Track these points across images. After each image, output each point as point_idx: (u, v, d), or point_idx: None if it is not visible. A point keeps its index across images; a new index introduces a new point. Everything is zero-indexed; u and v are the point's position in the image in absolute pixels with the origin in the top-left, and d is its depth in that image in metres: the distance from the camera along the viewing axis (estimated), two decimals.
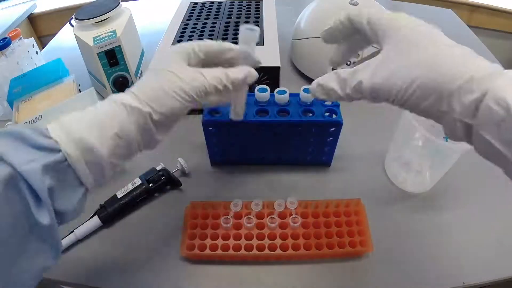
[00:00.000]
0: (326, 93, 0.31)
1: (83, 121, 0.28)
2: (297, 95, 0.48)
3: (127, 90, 0.32)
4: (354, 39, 0.35)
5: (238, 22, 0.69)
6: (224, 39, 0.63)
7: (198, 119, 0.48)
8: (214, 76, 0.32)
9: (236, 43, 0.61)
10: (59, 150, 0.26)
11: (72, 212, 0.28)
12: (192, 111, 0.63)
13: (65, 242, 0.43)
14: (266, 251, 0.41)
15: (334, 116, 0.47)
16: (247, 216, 0.43)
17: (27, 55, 0.71)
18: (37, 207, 0.25)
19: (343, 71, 0.30)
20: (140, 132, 0.30)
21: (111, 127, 0.28)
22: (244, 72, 0.34)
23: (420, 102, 0.26)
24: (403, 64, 0.27)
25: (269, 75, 0.57)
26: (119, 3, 0.64)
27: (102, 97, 0.67)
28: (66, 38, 0.90)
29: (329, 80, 0.31)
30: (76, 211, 0.28)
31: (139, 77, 0.67)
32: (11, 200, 0.24)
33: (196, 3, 0.78)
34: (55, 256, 0.28)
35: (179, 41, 0.64)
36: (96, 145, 0.27)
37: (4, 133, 0.26)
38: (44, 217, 0.25)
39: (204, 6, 0.77)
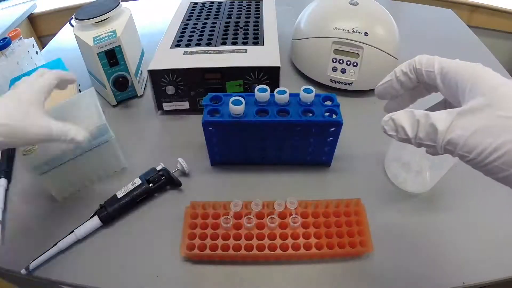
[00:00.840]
0: (395, 130, 0.30)
1: None
2: (297, 95, 0.48)
3: None
4: (416, 90, 0.33)
5: (238, 22, 0.69)
6: (224, 39, 0.63)
7: (198, 119, 0.48)
8: (59, 128, 0.37)
9: (235, 43, 0.62)
10: None
11: None
12: (192, 111, 0.63)
13: (65, 242, 0.43)
14: (266, 251, 0.41)
15: (334, 116, 0.47)
16: (247, 216, 0.43)
17: (27, 55, 0.71)
18: None
19: (419, 112, 0.29)
20: None
21: None
22: (83, 135, 0.40)
23: (505, 168, 0.23)
24: (500, 123, 0.24)
25: (269, 75, 0.57)
26: (119, 3, 0.64)
27: (102, 97, 0.67)
28: (66, 38, 0.90)
29: (402, 118, 0.29)
30: None
31: (139, 78, 0.67)
32: None
33: (196, 3, 0.78)
34: None
35: (179, 41, 0.64)
36: None
37: None
38: None
39: (204, 6, 0.77)
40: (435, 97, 0.35)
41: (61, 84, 0.43)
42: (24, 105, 0.36)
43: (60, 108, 0.48)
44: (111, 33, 0.59)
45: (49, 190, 0.48)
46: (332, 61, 0.64)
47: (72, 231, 0.44)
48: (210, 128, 0.48)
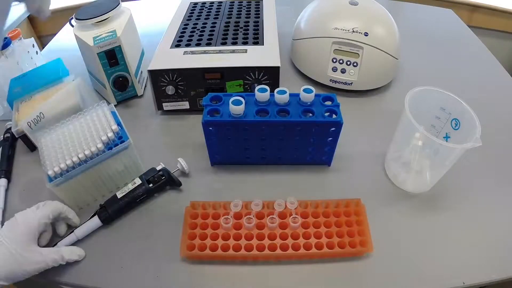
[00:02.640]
0: None
1: None
2: (297, 95, 0.48)
3: None
4: None
5: (238, 22, 0.69)
6: (224, 39, 0.63)
7: (198, 119, 0.48)
8: (53, 259, 0.39)
9: (235, 43, 0.61)
10: None
11: None
12: (192, 111, 0.63)
13: (66, 241, 0.43)
14: (266, 251, 0.41)
15: (334, 116, 0.47)
16: (247, 216, 0.43)
17: (27, 55, 0.71)
18: None
19: None
20: None
21: None
22: (78, 254, 0.42)
23: None
24: None
25: (269, 75, 0.57)
26: (119, 3, 0.64)
27: (102, 97, 0.67)
28: (66, 38, 0.90)
29: None
30: None
31: (139, 78, 0.67)
32: None
33: (196, 3, 0.78)
34: None
35: (179, 41, 0.64)
36: None
37: None
38: None
39: (204, 6, 0.77)
40: None
41: (60, 220, 0.45)
42: (20, 247, 0.38)
43: (54, 102, 0.48)
44: (111, 33, 0.59)
45: (65, 202, 0.45)
46: (332, 61, 0.64)
47: (72, 231, 0.44)
48: (210, 128, 0.48)
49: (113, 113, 0.50)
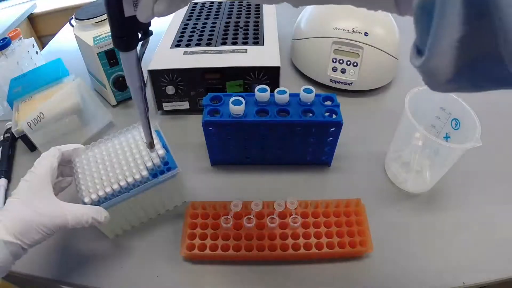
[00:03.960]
0: None
1: None
2: (297, 95, 0.48)
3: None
4: None
5: (238, 22, 0.69)
6: (224, 39, 0.63)
7: (198, 119, 0.48)
8: (75, 217, 0.36)
9: (235, 43, 0.61)
10: None
11: None
12: (192, 111, 0.63)
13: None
14: (266, 251, 0.41)
15: (334, 116, 0.47)
16: (247, 216, 0.43)
17: (27, 55, 0.71)
18: None
19: None
20: (13, 256, 0.33)
21: None
22: (104, 215, 0.38)
23: None
24: None
25: (269, 75, 0.57)
26: None
27: (102, 97, 0.67)
28: (66, 38, 0.90)
29: None
30: None
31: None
32: None
33: (196, 3, 0.78)
34: None
35: (179, 41, 0.64)
36: None
37: None
38: None
39: (204, 6, 0.77)
40: None
41: (66, 159, 0.42)
42: (34, 197, 0.35)
43: (54, 101, 0.48)
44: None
45: (101, 228, 0.42)
46: (332, 61, 0.64)
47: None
48: (210, 128, 0.48)
49: (158, 133, 0.45)
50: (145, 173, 0.40)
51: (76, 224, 0.36)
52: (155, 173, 0.42)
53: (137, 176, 0.40)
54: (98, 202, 0.39)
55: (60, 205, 0.36)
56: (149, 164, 0.41)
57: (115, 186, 0.39)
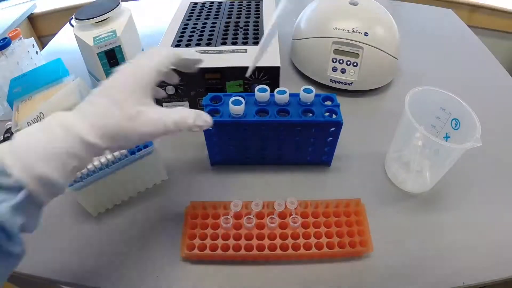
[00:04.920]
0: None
1: (41, 156, 0.27)
2: (297, 95, 0.48)
3: (82, 115, 0.30)
4: None
5: (238, 22, 0.69)
6: (224, 39, 0.63)
7: None
8: (173, 119, 0.32)
9: (235, 43, 0.61)
10: (23, 187, 0.27)
11: (36, 228, 0.30)
12: None
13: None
14: (266, 251, 0.41)
15: (334, 116, 0.47)
16: (247, 216, 0.43)
17: (27, 55, 0.71)
18: (8, 240, 0.26)
19: None
20: (92, 156, 0.31)
21: (71, 161, 0.29)
22: (207, 121, 0.35)
23: None
24: None
25: (269, 75, 0.57)
26: (119, 3, 0.64)
27: None
28: (66, 38, 0.90)
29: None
30: (37, 228, 0.30)
31: None
32: None
33: (196, 3, 0.78)
34: (17, 262, 0.29)
35: (179, 41, 0.64)
36: (57, 180, 0.28)
37: None
38: (17, 248, 0.27)
39: (204, 6, 0.77)
40: None
41: (181, 65, 0.36)
42: (128, 99, 0.30)
43: (54, 101, 0.48)
44: (111, 33, 0.59)
45: (84, 207, 0.45)
46: (332, 61, 0.64)
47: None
48: (210, 128, 0.48)
49: None
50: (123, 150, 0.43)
51: (175, 128, 0.32)
52: (132, 150, 0.45)
53: (116, 153, 0.43)
54: (80, 179, 0.41)
55: (161, 111, 0.31)
56: None
57: (96, 163, 0.42)
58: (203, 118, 0.34)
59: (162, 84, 0.58)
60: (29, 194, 0.27)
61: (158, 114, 0.31)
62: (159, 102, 0.60)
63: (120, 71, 0.32)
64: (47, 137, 0.28)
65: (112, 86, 0.31)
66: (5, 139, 0.58)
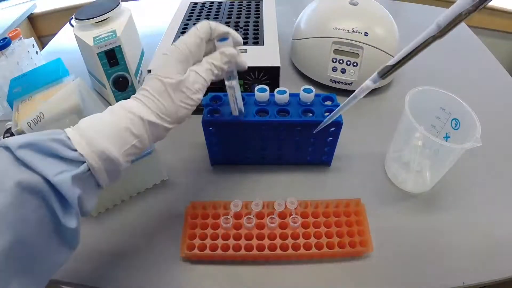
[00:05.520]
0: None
1: (104, 133, 0.30)
2: (297, 95, 0.48)
3: (140, 100, 0.33)
4: None
5: (238, 22, 0.69)
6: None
7: (198, 119, 0.48)
8: (206, 69, 0.36)
9: None
10: (84, 162, 0.29)
11: (90, 211, 0.30)
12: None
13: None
14: (266, 251, 0.41)
15: None
16: (247, 216, 0.43)
17: (27, 55, 0.71)
18: (65, 213, 0.28)
19: None
20: (154, 140, 0.34)
21: (131, 139, 0.31)
22: (233, 53, 0.37)
23: None
24: None
25: (269, 75, 0.57)
26: (119, 3, 0.64)
27: (102, 97, 0.67)
28: (66, 38, 0.90)
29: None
30: (93, 209, 0.31)
31: (139, 78, 0.67)
32: (38, 206, 0.26)
33: (196, 3, 0.78)
34: (70, 254, 0.31)
35: None
36: (117, 156, 0.30)
37: (30, 144, 0.27)
38: (72, 222, 0.28)
39: (204, 6, 0.77)
40: None
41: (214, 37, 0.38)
42: (172, 75, 0.33)
43: (54, 101, 0.48)
44: (111, 33, 0.59)
45: None
46: (332, 61, 0.64)
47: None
48: (210, 128, 0.48)
49: None
50: None
51: (212, 78, 0.36)
52: None
53: None
54: None
55: (192, 71, 0.35)
56: None
57: None
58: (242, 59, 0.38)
59: None
60: (89, 168, 0.29)
61: (195, 68, 0.35)
62: None
63: (164, 59, 0.35)
64: (110, 117, 0.31)
65: (155, 69, 0.34)
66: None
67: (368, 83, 0.38)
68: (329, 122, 0.43)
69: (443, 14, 0.30)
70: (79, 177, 0.28)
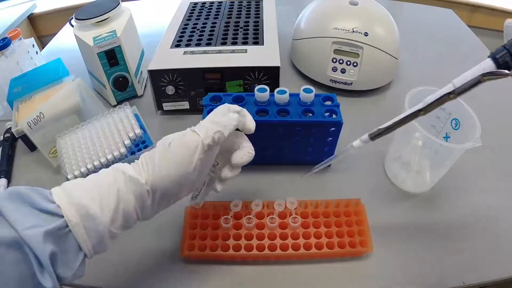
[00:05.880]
0: None
1: (85, 188, 0.29)
2: (297, 95, 0.48)
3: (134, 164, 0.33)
4: None
5: (238, 22, 0.69)
6: (224, 39, 0.63)
7: (198, 119, 0.48)
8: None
9: (235, 43, 0.62)
10: (61, 216, 0.27)
11: (72, 277, 0.28)
12: (192, 111, 0.63)
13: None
14: (266, 251, 0.41)
15: (334, 116, 0.47)
16: (247, 216, 0.43)
17: (27, 55, 0.71)
18: (41, 271, 0.26)
19: None
20: (140, 206, 0.32)
21: (112, 195, 0.29)
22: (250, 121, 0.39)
23: None
24: None
25: (269, 75, 0.57)
26: (119, 3, 0.64)
27: (102, 97, 0.67)
28: (66, 38, 0.90)
29: None
30: (76, 275, 0.29)
31: (139, 78, 0.67)
32: (16, 261, 0.25)
33: (196, 3, 0.78)
34: None
35: (179, 41, 0.64)
36: (97, 212, 0.28)
37: (11, 193, 0.26)
38: (47, 281, 0.26)
39: (204, 6, 0.77)
40: None
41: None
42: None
43: (54, 101, 0.48)
44: (111, 33, 0.59)
45: None
46: (332, 61, 0.64)
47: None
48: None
49: (136, 116, 0.49)
50: (123, 150, 0.44)
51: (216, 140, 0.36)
52: (133, 151, 0.46)
53: (116, 153, 0.44)
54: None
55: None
56: (127, 142, 0.45)
57: (96, 163, 0.43)
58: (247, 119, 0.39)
59: (162, 84, 0.58)
60: (66, 225, 0.27)
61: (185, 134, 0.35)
62: (159, 102, 0.60)
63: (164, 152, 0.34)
64: (95, 176, 0.31)
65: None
66: (5, 139, 0.58)
67: (357, 143, 0.41)
68: (319, 169, 0.44)
69: (429, 97, 0.35)
70: (54, 233, 0.26)
